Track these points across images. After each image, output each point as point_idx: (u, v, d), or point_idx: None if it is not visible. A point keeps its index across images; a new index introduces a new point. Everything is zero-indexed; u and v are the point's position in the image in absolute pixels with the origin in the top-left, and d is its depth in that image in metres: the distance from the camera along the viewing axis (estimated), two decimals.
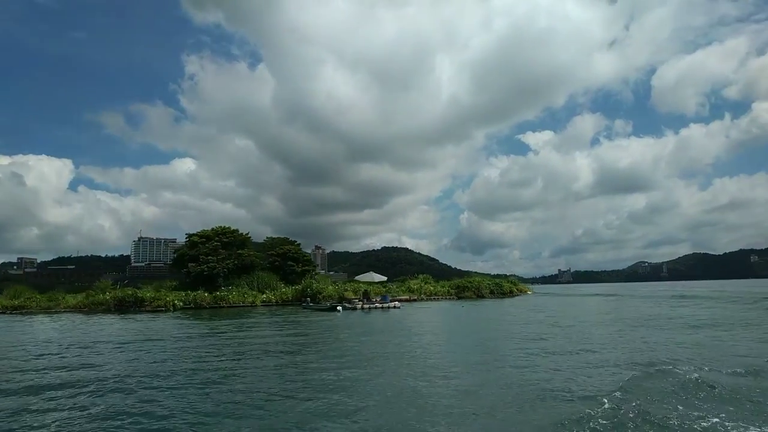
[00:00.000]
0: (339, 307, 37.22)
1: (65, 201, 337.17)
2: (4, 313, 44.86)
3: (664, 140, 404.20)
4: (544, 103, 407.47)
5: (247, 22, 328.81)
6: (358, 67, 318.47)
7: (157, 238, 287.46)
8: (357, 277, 50.65)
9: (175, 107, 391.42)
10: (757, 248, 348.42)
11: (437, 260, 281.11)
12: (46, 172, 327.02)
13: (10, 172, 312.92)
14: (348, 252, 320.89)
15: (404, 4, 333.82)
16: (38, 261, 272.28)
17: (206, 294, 46.44)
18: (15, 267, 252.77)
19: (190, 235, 65.50)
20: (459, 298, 54.71)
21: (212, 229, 65.36)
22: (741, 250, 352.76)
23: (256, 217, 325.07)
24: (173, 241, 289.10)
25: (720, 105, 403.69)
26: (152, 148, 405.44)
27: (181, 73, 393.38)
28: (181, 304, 43.90)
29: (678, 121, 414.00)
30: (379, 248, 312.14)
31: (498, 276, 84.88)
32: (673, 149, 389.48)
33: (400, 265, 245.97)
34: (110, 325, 28.26)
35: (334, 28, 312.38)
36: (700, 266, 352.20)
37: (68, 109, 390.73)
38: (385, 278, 52.70)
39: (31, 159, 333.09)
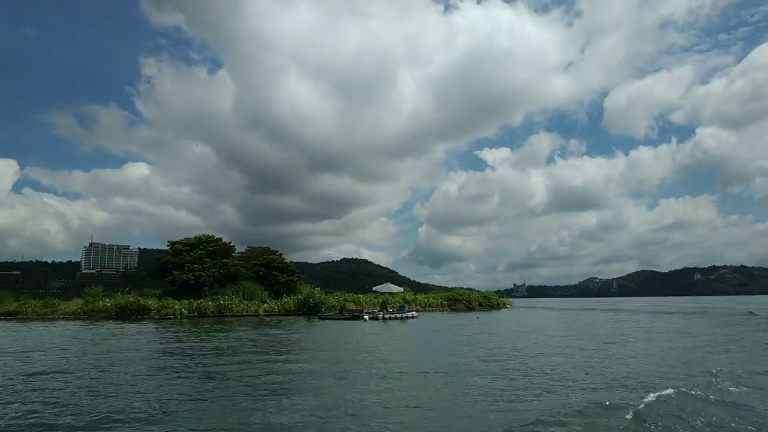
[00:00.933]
0: (366, 317, 38.35)
1: (8, 203, 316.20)
2: None
3: (615, 161, 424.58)
4: (503, 120, 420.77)
5: (208, 26, 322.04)
6: (321, 77, 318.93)
7: (109, 245, 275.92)
8: (375, 288, 51.70)
9: (131, 110, 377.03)
10: (700, 267, 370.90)
11: (396, 272, 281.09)
12: None
13: None
14: (306, 263, 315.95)
15: (368, 18, 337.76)
16: None
17: (210, 302, 46.48)
18: None
19: (172, 243, 64.38)
20: (452, 309, 56.85)
21: (196, 238, 64.78)
22: (685, 268, 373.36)
23: (212, 225, 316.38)
24: (126, 247, 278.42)
25: (667, 129, 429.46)
26: (104, 151, 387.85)
27: (138, 75, 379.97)
28: (187, 312, 43.85)
29: (628, 143, 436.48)
30: (339, 259, 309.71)
31: (454, 288, 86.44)
32: (623, 170, 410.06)
33: (360, 277, 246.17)
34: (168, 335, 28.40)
35: (298, 38, 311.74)
36: (648, 283, 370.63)
37: (15, 108, 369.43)
38: (401, 289, 54.08)
39: None
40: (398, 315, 40.14)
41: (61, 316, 44.12)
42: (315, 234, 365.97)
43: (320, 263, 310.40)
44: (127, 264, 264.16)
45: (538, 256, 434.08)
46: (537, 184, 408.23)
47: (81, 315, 43.93)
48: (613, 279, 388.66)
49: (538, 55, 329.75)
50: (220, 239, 66.02)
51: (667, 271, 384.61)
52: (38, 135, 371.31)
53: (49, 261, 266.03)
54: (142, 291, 62.95)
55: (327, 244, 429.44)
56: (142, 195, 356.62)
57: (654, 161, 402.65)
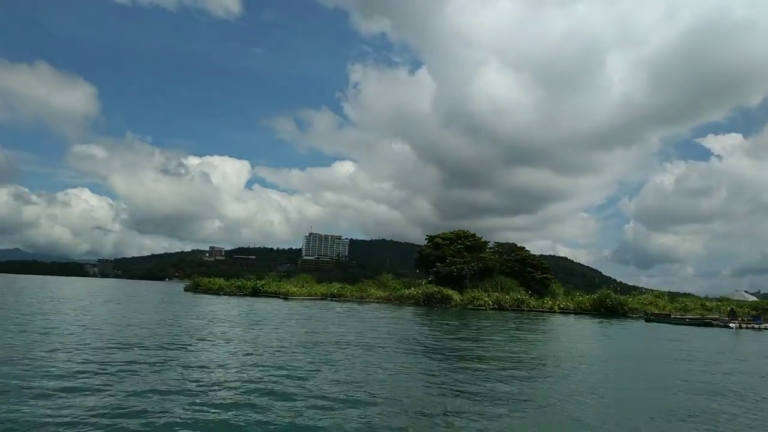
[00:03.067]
0: (731, 325, 34.67)
1: (242, 198, 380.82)
2: (323, 299, 49.95)
3: None
4: (735, 102, 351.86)
5: (411, 28, 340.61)
6: (521, 68, 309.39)
7: (324, 235, 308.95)
8: (726, 295, 47.13)
9: (339, 113, 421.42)
10: None
11: (600, 272, 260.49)
12: (228, 172, 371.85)
13: (200, 171, 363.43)
14: None
15: (574, 2, 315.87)
16: (224, 250, 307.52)
17: (507, 296, 47.00)
18: (207, 255, 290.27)
19: (431, 237, 67.43)
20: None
21: (452, 232, 67.00)
22: None
23: (409, 218, 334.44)
24: (338, 237, 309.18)
25: None
26: (316, 152, 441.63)
27: (346, 81, 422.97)
28: (491, 303, 44.96)
29: None
30: (537, 256, 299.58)
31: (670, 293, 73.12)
32: None
33: (561, 276, 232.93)
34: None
35: (499, 30, 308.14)
36: None
37: (247, 115, 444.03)
38: (755, 298, 48.39)
39: (216, 159, 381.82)
40: (754, 325, 35.00)
41: (374, 300, 48.93)
42: (508, 229, 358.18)
43: None
44: (339, 252, 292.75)
45: None
46: None
47: (392, 300, 48.14)
48: None
49: None
50: (474, 234, 67.41)
51: None
52: (264, 138, 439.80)
53: (275, 248, 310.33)
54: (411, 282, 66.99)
55: (520, 240, 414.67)
56: (348, 191, 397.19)
57: None
